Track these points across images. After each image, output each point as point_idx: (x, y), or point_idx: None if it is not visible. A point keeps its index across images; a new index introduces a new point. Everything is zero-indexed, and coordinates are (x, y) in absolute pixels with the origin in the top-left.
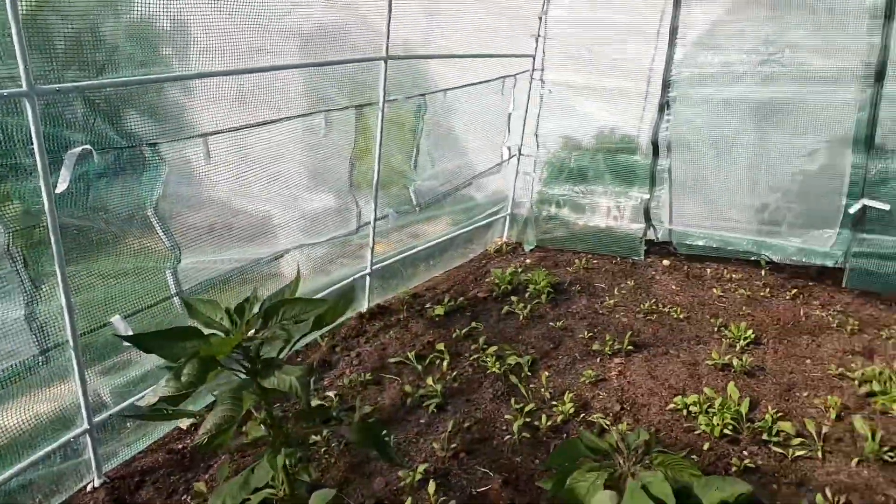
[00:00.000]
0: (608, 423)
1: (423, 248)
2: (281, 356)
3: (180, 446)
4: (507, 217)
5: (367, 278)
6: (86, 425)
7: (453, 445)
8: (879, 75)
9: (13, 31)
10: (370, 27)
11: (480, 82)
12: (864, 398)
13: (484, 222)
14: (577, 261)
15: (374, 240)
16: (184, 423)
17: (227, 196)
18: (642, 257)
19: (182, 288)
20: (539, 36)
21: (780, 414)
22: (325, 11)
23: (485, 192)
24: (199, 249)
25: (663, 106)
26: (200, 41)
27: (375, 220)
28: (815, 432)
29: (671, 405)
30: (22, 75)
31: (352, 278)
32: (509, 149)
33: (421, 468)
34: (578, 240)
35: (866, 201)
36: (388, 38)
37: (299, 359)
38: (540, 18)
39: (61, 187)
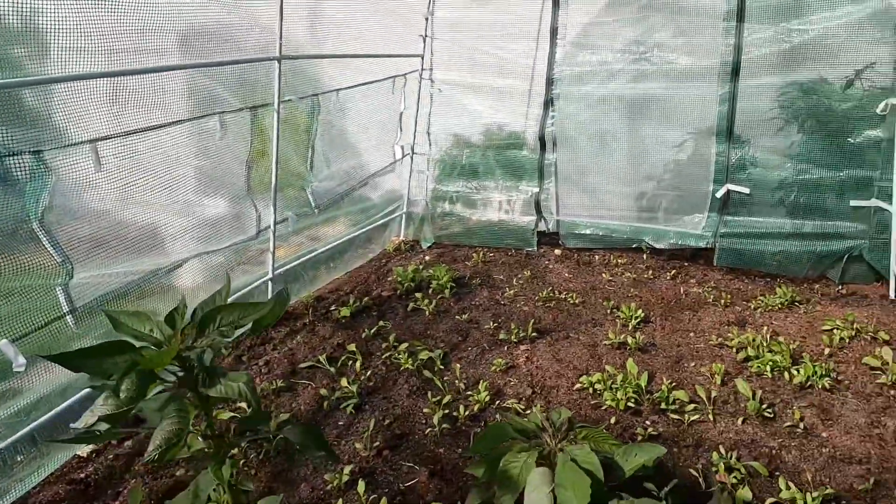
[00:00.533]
0: (522, 407)
1: (323, 251)
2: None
3: (82, 475)
4: (403, 216)
5: (270, 284)
6: None
7: (376, 444)
8: (735, 72)
9: None
10: (264, 28)
11: (371, 82)
12: (741, 363)
13: (381, 222)
14: (474, 255)
15: (274, 244)
16: (84, 451)
17: (121, 205)
18: (536, 248)
19: (75, 305)
20: (427, 36)
21: (673, 384)
22: (217, 11)
23: (380, 192)
24: (91, 263)
25: (548, 103)
26: (67, 41)
27: (275, 223)
28: (706, 397)
29: (577, 385)
30: None
31: (253, 285)
32: (402, 148)
33: (347, 469)
34: (474, 234)
35: (730, 186)
36: (280, 38)
37: None
38: (426, 19)
39: None
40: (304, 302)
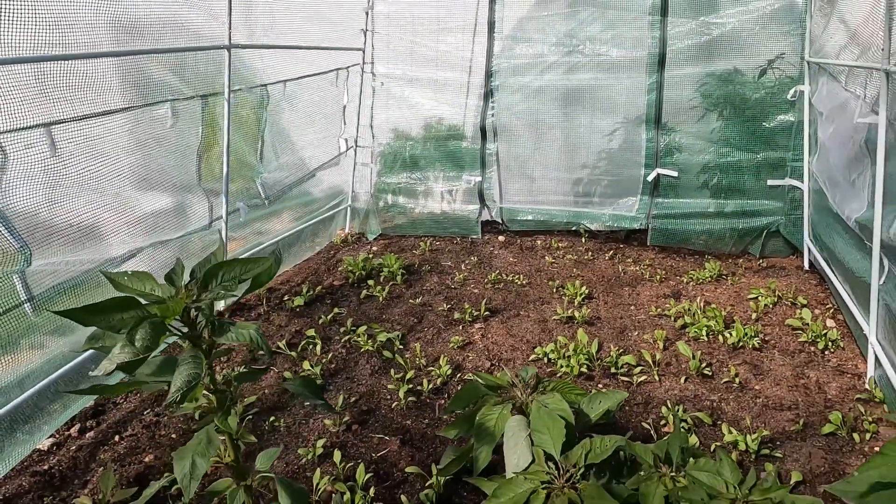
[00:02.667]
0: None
1: (271, 243)
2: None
3: (45, 467)
4: (349, 209)
5: None
6: None
7: (345, 420)
8: (661, 63)
9: None
10: (214, 17)
11: (317, 74)
12: (680, 330)
13: (327, 215)
14: (421, 244)
15: (226, 235)
16: (44, 444)
17: (75, 192)
18: (480, 235)
19: (33, 294)
20: (367, 30)
21: (621, 351)
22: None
23: (326, 185)
24: (49, 251)
25: (487, 94)
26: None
27: (227, 213)
28: (651, 361)
29: (532, 356)
30: None
31: None
32: (346, 141)
33: (319, 443)
34: (419, 225)
35: (659, 170)
36: (230, 26)
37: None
38: (367, 13)
39: None
40: (257, 293)
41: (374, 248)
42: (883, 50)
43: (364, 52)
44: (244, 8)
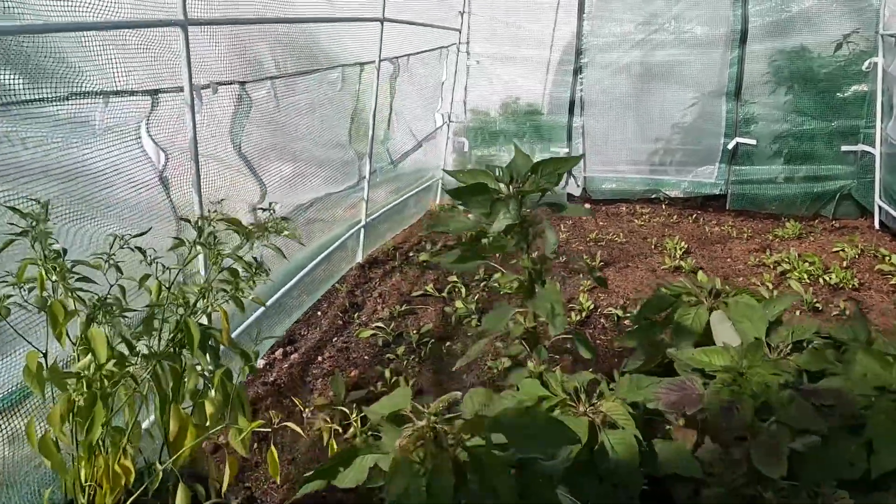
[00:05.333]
0: (620, 313)
1: (392, 206)
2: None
3: (270, 379)
4: (441, 181)
5: (362, 231)
6: None
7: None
8: (743, 39)
9: None
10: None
11: (430, 50)
12: (781, 275)
13: (425, 185)
14: None
15: (368, 193)
16: (259, 363)
17: (286, 142)
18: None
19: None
20: (464, 11)
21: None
22: None
23: (426, 157)
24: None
25: (576, 71)
26: None
27: (370, 173)
28: (767, 297)
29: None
30: None
31: (348, 234)
32: (442, 115)
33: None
34: None
35: (739, 139)
36: (384, 2)
37: (325, 304)
38: None
39: None
40: (385, 250)
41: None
42: None
43: (460, 32)
44: None
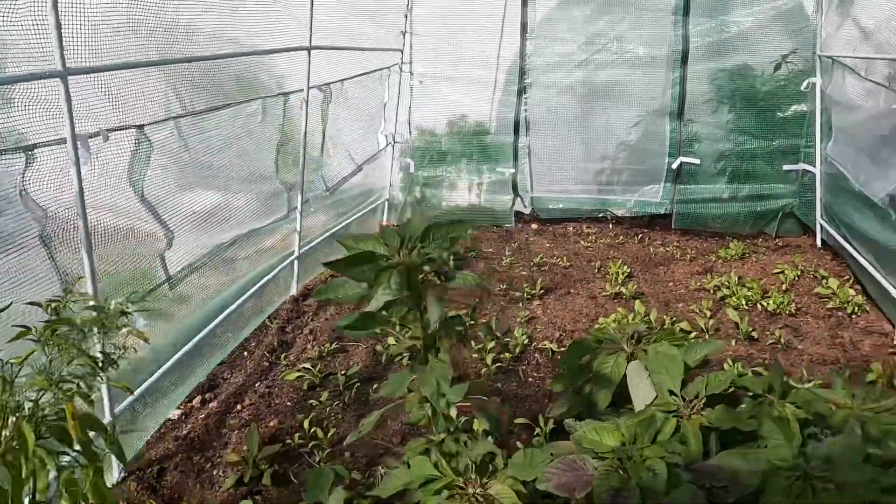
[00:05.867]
0: (556, 347)
1: (330, 234)
2: None
3: (184, 433)
4: (387, 202)
5: (296, 263)
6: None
7: None
8: (684, 59)
9: None
10: (296, 21)
11: (368, 72)
12: (720, 300)
13: (369, 208)
14: None
15: (301, 224)
16: (174, 415)
17: (195, 181)
18: (513, 224)
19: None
20: (406, 32)
21: (674, 318)
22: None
23: (369, 179)
24: (181, 236)
25: (520, 91)
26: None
27: (302, 203)
28: (703, 326)
29: (596, 325)
30: None
31: (281, 266)
32: (386, 137)
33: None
34: (456, 215)
35: (683, 158)
36: (311, 30)
37: (253, 343)
38: (405, 16)
39: None
40: (322, 279)
41: None
42: None
43: (403, 52)
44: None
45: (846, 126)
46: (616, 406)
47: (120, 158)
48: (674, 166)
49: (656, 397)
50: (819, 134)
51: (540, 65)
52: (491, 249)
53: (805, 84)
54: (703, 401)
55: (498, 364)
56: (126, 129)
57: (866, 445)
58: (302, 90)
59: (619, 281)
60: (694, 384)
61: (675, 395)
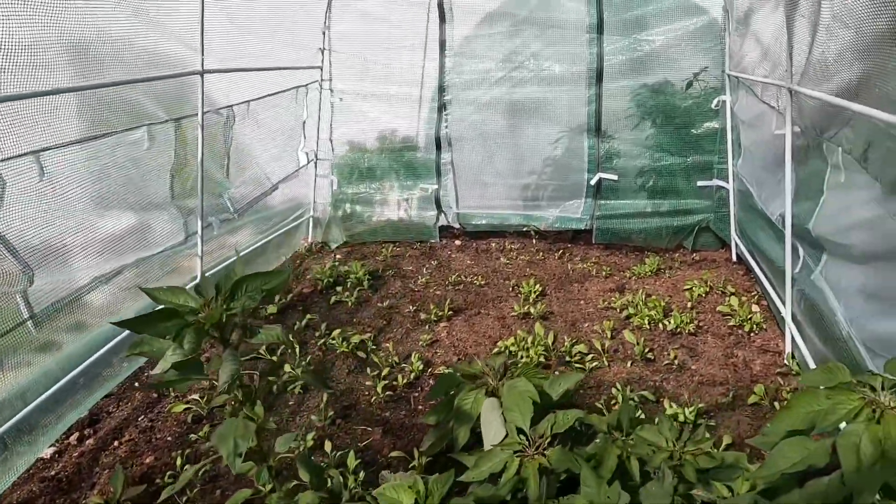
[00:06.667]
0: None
1: (243, 254)
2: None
3: (51, 473)
4: (311, 219)
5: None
6: None
7: (330, 414)
8: (599, 77)
9: None
10: (188, 46)
11: (278, 92)
12: (625, 320)
13: (291, 226)
14: (382, 250)
15: (202, 249)
16: (47, 453)
17: (63, 215)
18: (438, 240)
19: (34, 311)
20: (325, 49)
21: (573, 341)
22: (143, 29)
23: (288, 197)
24: (45, 272)
25: (441, 107)
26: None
27: (202, 228)
28: (601, 348)
29: (495, 349)
30: None
31: None
32: (307, 154)
33: (309, 437)
34: (380, 232)
35: (601, 174)
36: (202, 53)
37: (147, 372)
38: (324, 33)
39: None
40: None
41: (339, 256)
42: (786, 71)
43: (322, 69)
44: (212, 35)
45: (749, 145)
46: (480, 442)
47: None
48: (592, 182)
49: (506, 436)
50: (731, 151)
51: (459, 82)
52: (411, 267)
53: (716, 102)
54: (549, 440)
55: (389, 392)
56: None
57: (677, 489)
58: (196, 115)
59: (531, 300)
60: (544, 422)
61: (525, 433)
